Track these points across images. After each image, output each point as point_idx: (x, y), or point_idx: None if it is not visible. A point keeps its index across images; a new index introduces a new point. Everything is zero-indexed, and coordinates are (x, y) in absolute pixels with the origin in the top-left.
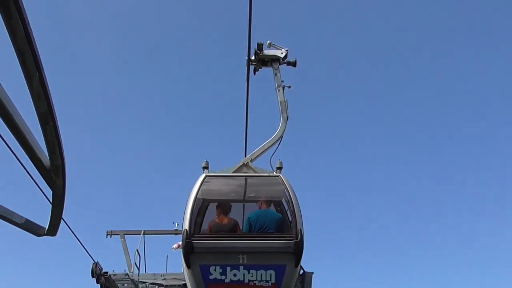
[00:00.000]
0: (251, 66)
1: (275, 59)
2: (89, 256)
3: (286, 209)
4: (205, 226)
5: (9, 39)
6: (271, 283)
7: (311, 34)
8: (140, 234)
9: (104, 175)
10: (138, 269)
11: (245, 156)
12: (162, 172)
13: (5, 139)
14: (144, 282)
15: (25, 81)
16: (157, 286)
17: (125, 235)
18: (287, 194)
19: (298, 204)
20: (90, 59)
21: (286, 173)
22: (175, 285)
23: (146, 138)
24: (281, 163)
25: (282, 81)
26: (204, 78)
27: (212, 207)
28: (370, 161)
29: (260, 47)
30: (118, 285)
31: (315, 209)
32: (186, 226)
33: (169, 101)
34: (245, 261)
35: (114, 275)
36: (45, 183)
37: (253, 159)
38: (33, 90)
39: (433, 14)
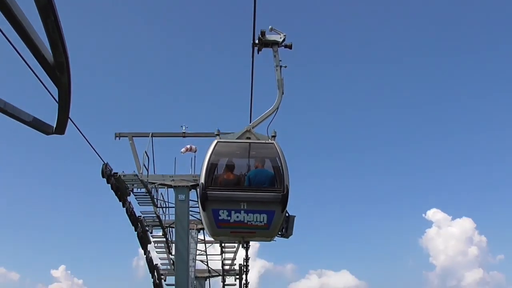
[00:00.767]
0: (255, 47)
1: (274, 43)
2: (99, 157)
3: (278, 167)
4: (216, 180)
5: None
6: (264, 223)
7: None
8: (148, 136)
9: (113, 76)
10: (147, 170)
11: (250, 122)
12: (171, 76)
13: (6, 35)
14: (153, 183)
15: None
16: (166, 187)
17: (133, 137)
18: (278, 158)
19: (286, 165)
20: None
21: (278, 139)
22: (183, 186)
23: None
24: (275, 132)
25: (280, 61)
26: (219, 56)
27: (222, 165)
28: None
29: (263, 33)
30: (128, 185)
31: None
32: (202, 180)
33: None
34: (245, 207)
35: (124, 175)
36: (50, 81)
37: (254, 126)
38: None
39: None
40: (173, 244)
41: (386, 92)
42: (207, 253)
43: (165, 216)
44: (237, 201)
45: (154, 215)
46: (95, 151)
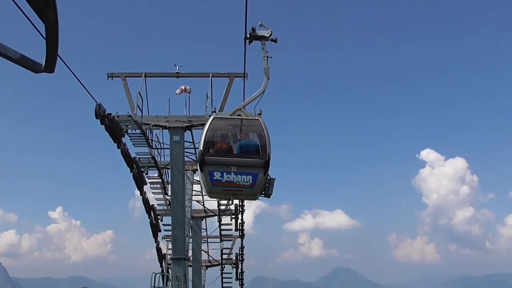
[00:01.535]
0: (247, 40)
1: (262, 37)
2: (91, 98)
3: (262, 139)
4: (212, 148)
5: None
6: (249, 183)
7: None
8: (141, 76)
9: (105, 15)
10: (141, 111)
11: (242, 102)
12: (164, 16)
13: None
14: (148, 124)
15: None
16: (160, 128)
17: (126, 78)
18: (263, 131)
19: (269, 137)
20: None
21: (263, 116)
22: (178, 127)
23: None
24: (261, 110)
25: (267, 52)
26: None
27: (217, 136)
28: None
29: (253, 29)
30: (122, 126)
31: None
32: (201, 148)
33: None
34: (235, 170)
35: (118, 116)
36: (37, 17)
37: (245, 105)
38: None
39: None
40: (169, 185)
41: (380, 29)
42: (203, 194)
43: (160, 157)
44: (228, 165)
45: (149, 156)
46: (87, 91)
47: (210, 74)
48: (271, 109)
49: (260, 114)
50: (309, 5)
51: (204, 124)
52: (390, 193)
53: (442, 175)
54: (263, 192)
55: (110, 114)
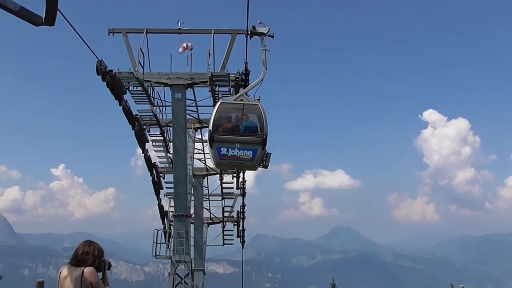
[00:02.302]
0: (248, 36)
1: (261, 33)
2: (93, 54)
3: (261, 121)
4: (220, 128)
5: None
6: (250, 157)
7: None
8: (143, 32)
9: None
10: (143, 68)
11: (244, 89)
12: None
13: None
14: (149, 81)
15: None
16: (162, 85)
17: (127, 34)
18: (261, 114)
19: (266, 119)
20: None
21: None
22: (179, 84)
23: None
24: (260, 96)
25: (265, 46)
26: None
27: (224, 118)
28: None
29: (254, 27)
30: (124, 83)
31: None
32: (210, 127)
33: None
34: (238, 146)
35: (119, 73)
36: None
37: (246, 92)
38: None
39: None
40: (171, 143)
41: None
42: (205, 152)
43: (162, 115)
44: (233, 142)
45: (151, 113)
46: (88, 46)
47: (212, 30)
48: (273, 68)
49: (259, 99)
50: None
51: (212, 110)
52: (392, 154)
53: (444, 136)
54: (261, 164)
55: (112, 70)
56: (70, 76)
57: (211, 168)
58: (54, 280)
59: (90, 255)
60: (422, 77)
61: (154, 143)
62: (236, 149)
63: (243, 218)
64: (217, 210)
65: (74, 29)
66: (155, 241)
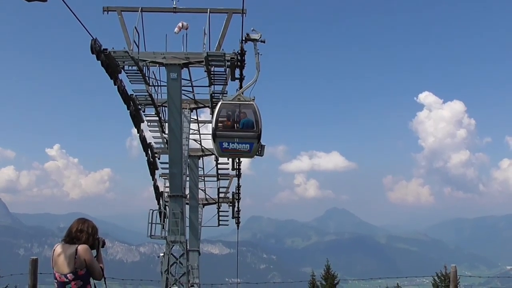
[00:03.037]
0: (243, 41)
1: (254, 39)
2: (87, 32)
3: (256, 118)
4: (221, 125)
5: None
6: (247, 150)
7: None
8: (138, 11)
9: None
10: (138, 47)
11: (240, 89)
12: None
13: None
14: (145, 60)
15: None
16: (157, 65)
17: (122, 12)
18: (255, 112)
19: (260, 116)
20: None
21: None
22: (175, 64)
23: None
24: (254, 96)
25: (258, 50)
26: None
27: (224, 116)
28: None
29: (248, 34)
30: (118, 62)
31: None
32: (213, 125)
33: None
34: (237, 140)
35: (114, 52)
36: None
37: (242, 92)
38: None
39: None
40: (166, 123)
41: None
42: (200, 133)
43: (157, 95)
44: (233, 137)
45: (147, 93)
46: (82, 24)
47: (208, 9)
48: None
49: (253, 99)
50: None
51: (213, 108)
52: (387, 136)
53: (439, 118)
54: (257, 154)
55: (106, 49)
56: (66, 55)
57: (206, 149)
58: (48, 259)
59: (84, 233)
60: (418, 59)
61: (149, 124)
62: (235, 143)
63: (239, 199)
64: (213, 191)
65: (68, 6)
66: (150, 221)
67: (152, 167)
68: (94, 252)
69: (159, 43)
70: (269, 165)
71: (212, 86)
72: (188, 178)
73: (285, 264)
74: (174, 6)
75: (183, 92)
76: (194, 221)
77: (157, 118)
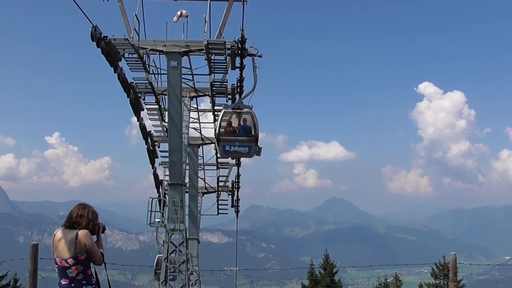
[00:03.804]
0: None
1: (252, 54)
2: (87, 19)
3: (253, 124)
4: (224, 130)
5: None
6: (246, 152)
7: None
8: None
9: None
10: (138, 35)
11: (239, 98)
12: None
13: None
14: (145, 48)
15: None
16: (158, 53)
17: None
18: (253, 119)
19: (257, 122)
20: None
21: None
22: (175, 52)
23: None
24: (252, 105)
25: (255, 63)
26: None
27: (226, 122)
28: None
29: (247, 50)
30: (119, 50)
31: None
32: (217, 131)
33: None
34: (238, 143)
35: (114, 39)
36: None
37: (242, 100)
38: None
39: None
40: (166, 112)
41: None
42: (200, 121)
43: (157, 83)
44: (234, 141)
45: (147, 81)
46: (82, 11)
47: None
48: (272, 32)
49: (251, 107)
50: None
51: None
52: (387, 127)
53: (439, 108)
54: (255, 154)
55: (106, 37)
56: (67, 42)
57: (206, 137)
58: (48, 247)
59: (84, 218)
60: (418, 49)
61: (149, 112)
62: (236, 146)
63: (238, 188)
64: (212, 179)
65: None
66: (149, 209)
67: (152, 155)
68: (94, 238)
69: (160, 31)
70: (269, 154)
71: (213, 74)
72: (187, 167)
73: (284, 253)
74: None
75: (183, 80)
76: (194, 210)
77: (157, 107)
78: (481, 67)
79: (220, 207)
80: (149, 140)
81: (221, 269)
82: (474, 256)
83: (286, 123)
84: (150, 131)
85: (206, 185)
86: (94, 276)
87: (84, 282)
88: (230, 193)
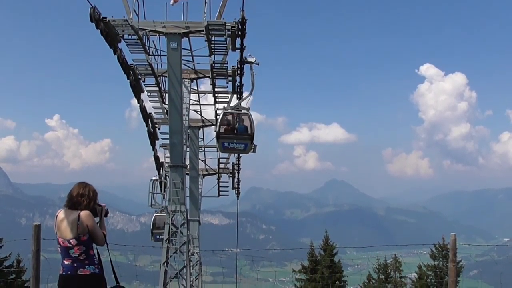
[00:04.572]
0: (241, 62)
1: (250, 62)
2: (86, 0)
3: (249, 124)
4: (223, 128)
5: None
6: (243, 148)
7: None
8: None
9: None
10: (137, 16)
11: (239, 100)
12: None
13: None
14: (144, 29)
15: None
16: (157, 34)
17: None
18: (250, 120)
19: (253, 122)
20: None
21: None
22: (175, 33)
23: None
24: (249, 107)
25: (253, 70)
26: None
27: (226, 122)
28: None
29: (245, 58)
30: (118, 31)
31: None
32: (217, 129)
33: None
34: (235, 141)
35: (113, 20)
36: None
37: (240, 103)
38: None
39: None
40: (166, 93)
41: None
42: (201, 103)
43: (157, 64)
44: (232, 138)
45: (146, 63)
46: None
47: None
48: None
49: (248, 109)
50: None
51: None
52: (388, 108)
53: (440, 90)
54: (251, 151)
55: (106, 17)
56: (65, 24)
57: (206, 119)
58: (50, 229)
59: (85, 197)
60: (419, 31)
61: (149, 94)
62: (234, 143)
63: (238, 170)
64: (213, 161)
65: None
66: (151, 191)
67: (153, 137)
68: (97, 219)
69: (159, 12)
70: (269, 136)
71: (213, 56)
72: (188, 149)
73: (284, 234)
74: None
75: (183, 62)
76: (195, 191)
77: (157, 88)
78: (483, 49)
79: (220, 189)
80: (149, 122)
81: (222, 249)
82: (473, 238)
83: (287, 104)
84: (151, 113)
85: (207, 167)
86: (97, 256)
87: (87, 262)
88: (231, 175)
